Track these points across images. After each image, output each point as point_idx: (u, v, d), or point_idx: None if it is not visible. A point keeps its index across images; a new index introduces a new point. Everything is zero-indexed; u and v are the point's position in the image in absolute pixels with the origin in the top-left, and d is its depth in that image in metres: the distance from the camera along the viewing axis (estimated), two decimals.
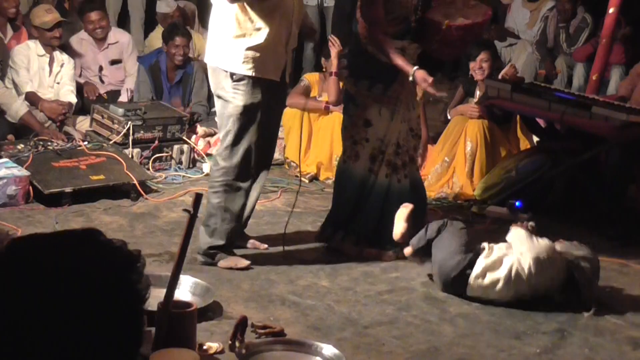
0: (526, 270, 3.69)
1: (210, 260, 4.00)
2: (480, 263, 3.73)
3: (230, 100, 3.86)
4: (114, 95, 6.44)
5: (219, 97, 3.93)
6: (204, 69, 5.72)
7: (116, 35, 6.57)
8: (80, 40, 6.42)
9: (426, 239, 3.86)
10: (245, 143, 3.90)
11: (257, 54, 3.82)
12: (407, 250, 3.94)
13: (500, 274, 3.71)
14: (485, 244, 3.82)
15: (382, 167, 4.32)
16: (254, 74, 3.83)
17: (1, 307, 1.03)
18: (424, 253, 3.88)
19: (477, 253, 3.77)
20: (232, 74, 3.84)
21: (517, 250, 3.76)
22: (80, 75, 6.37)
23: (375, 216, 4.29)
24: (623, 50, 7.49)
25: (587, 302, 3.73)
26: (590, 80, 6.08)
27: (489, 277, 3.72)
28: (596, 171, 5.22)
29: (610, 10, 5.87)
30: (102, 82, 6.48)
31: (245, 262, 4.01)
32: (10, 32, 6.33)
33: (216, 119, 6.17)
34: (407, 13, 4.20)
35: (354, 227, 4.32)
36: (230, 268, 3.98)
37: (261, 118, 3.92)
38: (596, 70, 5.95)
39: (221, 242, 3.99)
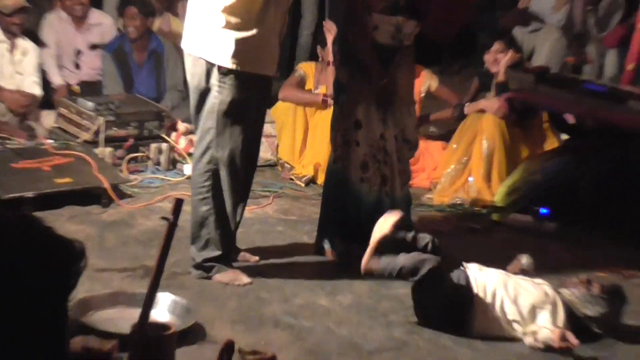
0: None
1: (205, 275, 3.98)
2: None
3: (214, 94, 3.82)
4: (88, 87, 6.38)
5: (199, 90, 3.88)
6: (177, 48, 5.68)
7: (98, 16, 6.54)
8: (57, 18, 6.37)
9: (394, 275, 3.70)
10: (231, 142, 3.86)
11: (250, 47, 3.78)
12: (366, 267, 3.77)
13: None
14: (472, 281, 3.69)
15: (375, 177, 4.31)
16: (246, 69, 3.79)
17: None
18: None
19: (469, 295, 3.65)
20: (218, 67, 3.79)
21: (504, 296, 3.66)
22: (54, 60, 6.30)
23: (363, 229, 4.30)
24: None
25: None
26: (625, 70, 6.06)
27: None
28: (632, 173, 5.18)
29: None
30: (78, 68, 6.44)
31: (246, 279, 3.98)
32: None
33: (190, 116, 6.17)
34: None
35: (340, 235, 4.36)
36: (227, 284, 3.94)
37: (250, 117, 3.89)
38: (632, 59, 5.93)
39: (217, 253, 3.97)
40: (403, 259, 3.65)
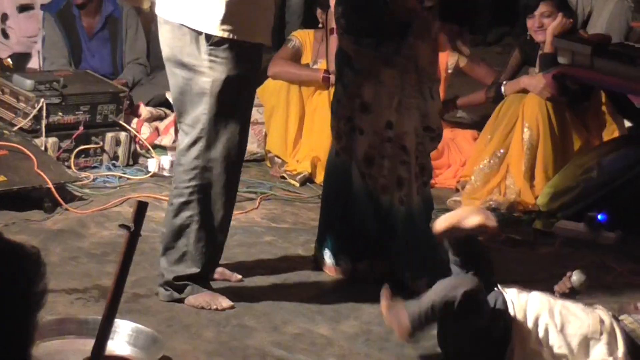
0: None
1: (176, 295, 4.02)
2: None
3: (205, 71, 3.87)
4: (23, 60, 6.44)
5: (183, 66, 3.93)
6: (138, 11, 5.69)
7: None
8: None
9: (428, 321, 3.71)
10: (228, 131, 3.91)
11: (243, 10, 3.85)
12: (402, 332, 3.78)
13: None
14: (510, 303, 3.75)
15: (387, 177, 4.35)
16: (237, 37, 3.85)
17: None
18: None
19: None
20: (207, 36, 3.85)
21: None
22: None
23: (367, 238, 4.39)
24: None
25: None
26: None
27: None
28: None
29: None
30: (6, 36, 6.47)
31: (227, 302, 4.03)
32: None
33: (169, 97, 6.17)
34: None
35: (345, 247, 4.42)
36: (203, 308, 3.99)
37: (247, 99, 3.95)
38: None
39: (195, 270, 4.00)
40: (431, 294, 3.63)
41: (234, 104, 3.92)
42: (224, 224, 4.04)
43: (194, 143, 3.93)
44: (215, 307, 4.01)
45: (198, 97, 3.90)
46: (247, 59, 3.92)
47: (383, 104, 4.33)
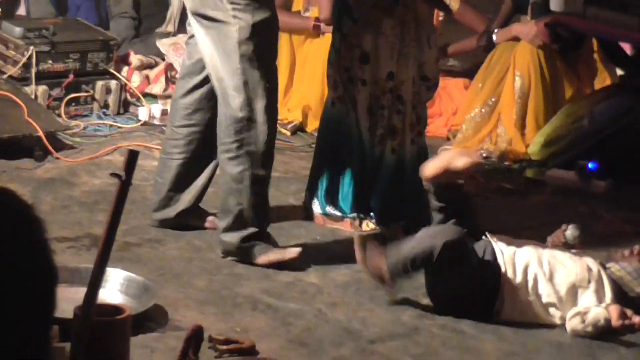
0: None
1: (246, 259, 3.97)
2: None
3: (230, 21, 3.85)
4: (10, 7, 6.39)
5: (209, 19, 3.88)
6: None
7: None
8: None
9: (408, 271, 3.68)
10: (263, 79, 3.88)
11: None
12: (382, 282, 3.77)
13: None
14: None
15: (381, 127, 4.37)
16: None
17: None
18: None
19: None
20: None
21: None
22: None
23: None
24: None
25: None
26: None
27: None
28: None
29: None
30: None
31: (294, 251, 4.01)
32: None
33: (160, 46, 6.12)
34: None
35: (337, 197, 4.43)
36: (279, 263, 3.95)
37: (274, 42, 3.98)
38: None
39: (255, 230, 3.97)
40: (411, 245, 3.65)
41: (263, 51, 3.90)
42: (269, 174, 4.03)
43: (234, 96, 3.90)
44: (289, 258, 3.97)
45: (229, 48, 3.87)
46: (266, 2, 3.91)
47: (383, 55, 4.33)
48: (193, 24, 3.98)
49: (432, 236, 3.64)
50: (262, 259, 3.97)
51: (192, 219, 4.23)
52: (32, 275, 1.37)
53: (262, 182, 3.99)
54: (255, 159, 3.93)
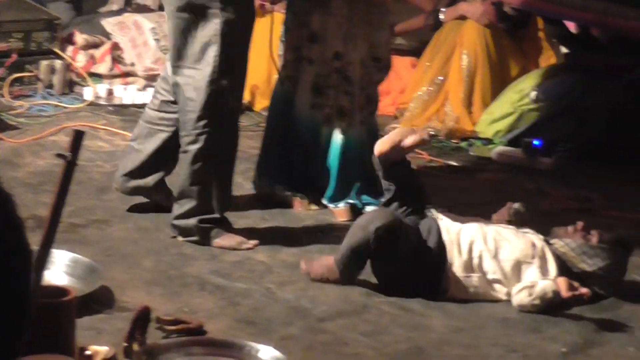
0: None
1: (203, 240, 3.99)
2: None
3: (217, 12, 3.85)
4: None
5: (192, 8, 3.88)
6: None
7: None
8: None
9: (352, 263, 3.72)
10: (234, 74, 3.94)
11: None
12: (334, 280, 3.77)
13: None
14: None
15: (330, 107, 4.39)
16: None
17: None
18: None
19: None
20: None
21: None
22: None
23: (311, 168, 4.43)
24: None
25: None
26: None
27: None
28: None
29: None
30: None
31: (252, 243, 4.03)
32: None
33: (105, 25, 6.07)
34: None
35: (286, 176, 4.45)
36: (235, 249, 3.98)
37: (249, 39, 4.04)
38: None
39: (217, 215, 4.00)
40: (347, 236, 3.70)
41: (241, 45, 3.95)
42: (232, 156, 4.06)
43: (203, 86, 3.90)
44: (245, 248, 4.00)
45: (207, 40, 3.88)
46: None
47: (331, 34, 4.34)
48: (169, 14, 4.00)
49: (363, 226, 3.68)
50: (218, 242, 3.99)
51: (154, 195, 4.22)
52: (7, 256, 1.30)
53: (224, 164, 4.00)
54: (218, 138, 3.96)
